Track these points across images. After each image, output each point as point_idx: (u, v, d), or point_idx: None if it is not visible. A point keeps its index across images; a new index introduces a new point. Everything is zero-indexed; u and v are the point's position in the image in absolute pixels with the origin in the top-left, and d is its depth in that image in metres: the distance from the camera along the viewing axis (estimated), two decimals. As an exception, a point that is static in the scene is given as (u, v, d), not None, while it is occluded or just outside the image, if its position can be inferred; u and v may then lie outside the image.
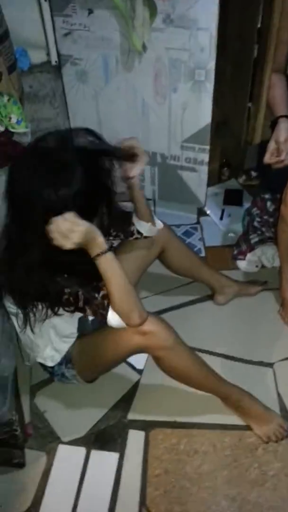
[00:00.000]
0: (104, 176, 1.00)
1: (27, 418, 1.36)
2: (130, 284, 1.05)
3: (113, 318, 1.06)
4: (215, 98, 1.67)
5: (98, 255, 0.99)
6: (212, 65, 1.58)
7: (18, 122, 1.49)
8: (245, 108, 1.67)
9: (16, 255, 1.01)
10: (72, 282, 1.04)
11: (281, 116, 1.44)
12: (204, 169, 1.87)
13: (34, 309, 1.06)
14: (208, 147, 1.80)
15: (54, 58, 1.77)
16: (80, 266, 1.01)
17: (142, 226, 1.32)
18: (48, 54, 1.77)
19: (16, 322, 1.15)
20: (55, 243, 0.93)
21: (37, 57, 1.76)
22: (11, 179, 0.98)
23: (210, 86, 1.64)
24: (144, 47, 1.61)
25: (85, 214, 0.95)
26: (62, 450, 1.30)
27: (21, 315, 1.09)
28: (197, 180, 1.93)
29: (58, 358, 1.22)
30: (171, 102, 1.75)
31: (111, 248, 1.01)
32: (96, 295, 1.06)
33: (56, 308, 1.07)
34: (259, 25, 1.49)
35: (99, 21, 1.63)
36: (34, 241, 0.97)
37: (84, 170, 0.93)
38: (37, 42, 1.73)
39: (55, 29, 1.70)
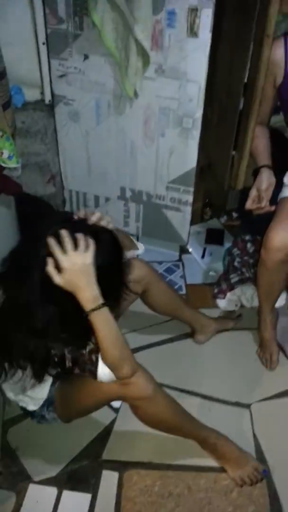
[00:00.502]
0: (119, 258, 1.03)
1: (-3, 456, 1.33)
2: (122, 336, 1.02)
3: (103, 373, 1.04)
4: (201, 143, 1.76)
5: (94, 309, 0.93)
6: (199, 114, 1.68)
7: (9, 158, 1.53)
8: (229, 156, 1.75)
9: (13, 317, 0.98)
10: (58, 342, 1.00)
11: (263, 166, 1.51)
12: (188, 209, 1.94)
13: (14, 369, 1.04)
14: (192, 189, 1.87)
15: (48, 98, 1.84)
16: (70, 323, 0.97)
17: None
18: (42, 93, 1.84)
19: None
20: (49, 264, 0.89)
21: (31, 95, 1.83)
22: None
23: (196, 133, 1.72)
24: (135, 93, 1.69)
25: (103, 293, 0.95)
26: (33, 490, 1.26)
27: None
28: (181, 219, 1.98)
29: (40, 401, 1.20)
30: (158, 145, 1.82)
31: (105, 303, 0.95)
32: (84, 351, 1.04)
33: (42, 372, 1.05)
34: (245, 80, 1.59)
35: (94, 66, 1.71)
36: (36, 302, 0.93)
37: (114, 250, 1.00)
38: (32, 81, 1.80)
39: (51, 71, 1.78)
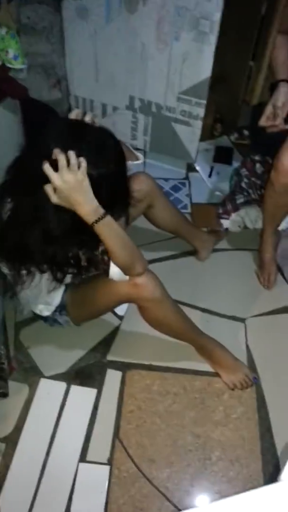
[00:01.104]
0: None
1: (11, 352, 1.43)
2: (130, 241, 1.06)
3: (114, 272, 1.10)
4: (216, 51, 1.64)
5: (97, 221, 0.96)
6: (217, 16, 1.54)
7: (15, 58, 1.44)
8: (246, 67, 1.65)
9: (29, 220, 0.99)
10: (72, 245, 1.05)
11: (282, 80, 1.43)
12: (199, 124, 1.87)
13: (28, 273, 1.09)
14: (205, 101, 1.78)
15: (54, -11, 1.67)
16: (82, 228, 0.98)
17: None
18: (48, -17, 1.67)
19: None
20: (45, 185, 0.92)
21: (36, -15, 1.66)
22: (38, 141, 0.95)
23: (213, 38, 1.60)
24: (151, -12, 1.54)
25: (109, 201, 0.97)
26: (44, 384, 1.39)
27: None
28: (190, 134, 1.92)
29: (52, 307, 1.27)
30: (172, 50, 1.70)
31: (107, 212, 0.97)
32: (96, 252, 1.08)
33: (62, 275, 1.09)
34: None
35: None
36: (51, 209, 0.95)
37: (118, 157, 0.97)
38: None
39: None
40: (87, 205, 0.94)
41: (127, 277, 1.12)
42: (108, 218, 0.98)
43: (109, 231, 1.00)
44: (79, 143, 0.91)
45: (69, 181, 0.89)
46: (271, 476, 1.22)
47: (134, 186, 1.40)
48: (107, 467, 1.23)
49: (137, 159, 1.36)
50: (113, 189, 0.99)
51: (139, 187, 1.42)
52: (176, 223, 1.63)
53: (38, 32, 1.74)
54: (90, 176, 0.91)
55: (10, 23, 1.42)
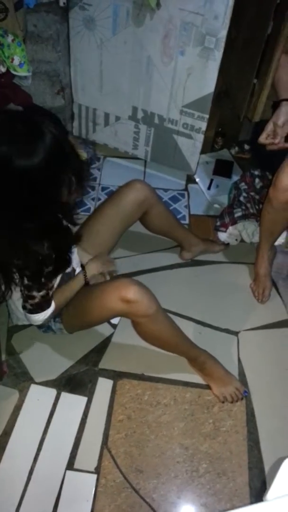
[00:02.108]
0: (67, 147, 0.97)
1: (3, 356, 1.43)
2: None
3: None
4: (221, 67, 1.66)
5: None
6: (223, 34, 1.57)
7: (20, 65, 1.46)
8: (250, 83, 1.67)
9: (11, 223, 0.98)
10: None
11: (284, 99, 1.45)
12: (200, 137, 1.89)
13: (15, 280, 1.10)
14: (207, 115, 1.81)
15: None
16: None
17: None
18: (57, -7, 1.70)
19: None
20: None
21: (45, -6, 1.68)
22: None
23: (218, 55, 1.63)
24: (158, 4, 1.57)
25: (54, 183, 0.94)
26: (34, 390, 1.39)
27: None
28: (191, 147, 1.94)
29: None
30: (177, 64, 1.73)
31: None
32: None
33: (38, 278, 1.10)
34: (278, 1, 1.47)
35: None
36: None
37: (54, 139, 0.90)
38: (46, -21, 1.66)
39: None
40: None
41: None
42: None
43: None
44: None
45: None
46: (258, 491, 1.23)
47: (129, 195, 1.43)
48: (94, 476, 1.23)
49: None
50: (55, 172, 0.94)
51: (134, 196, 1.45)
52: (168, 227, 1.66)
53: (44, 40, 1.76)
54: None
55: (17, 31, 1.45)
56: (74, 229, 1.22)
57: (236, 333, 1.57)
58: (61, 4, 1.71)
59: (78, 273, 1.31)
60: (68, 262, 1.15)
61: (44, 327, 1.33)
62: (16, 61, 1.46)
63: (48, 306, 1.19)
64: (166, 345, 1.35)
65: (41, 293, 1.13)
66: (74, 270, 1.32)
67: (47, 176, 0.91)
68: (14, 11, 1.45)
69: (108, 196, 1.55)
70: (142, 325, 1.24)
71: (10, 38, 1.41)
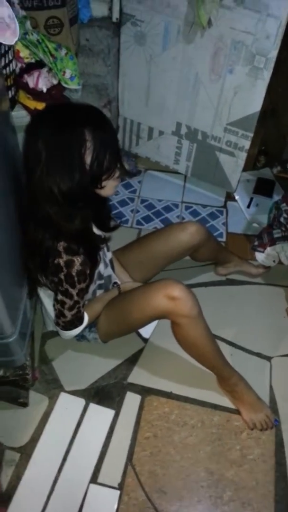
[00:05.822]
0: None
1: (36, 363, 1.46)
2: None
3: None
4: (268, 86, 1.65)
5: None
6: (274, 54, 1.55)
7: (71, 78, 1.50)
8: (297, 104, 1.65)
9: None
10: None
11: None
12: (243, 155, 1.87)
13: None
14: (251, 134, 1.79)
15: (115, 15, 1.74)
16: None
17: None
18: (110, 9, 1.74)
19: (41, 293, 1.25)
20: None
21: (99, 10, 1.73)
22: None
23: (267, 74, 1.61)
24: (209, 22, 1.57)
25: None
26: (63, 398, 1.40)
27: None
28: (233, 165, 1.93)
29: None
30: (224, 82, 1.73)
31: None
32: None
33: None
34: None
35: (169, -15, 1.59)
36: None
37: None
38: (101, -5, 1.70)
39: (123, -15, 1.67)
40: None
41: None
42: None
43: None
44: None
45: None
46: (283, 526, 1.19)
47: (182, 238, 1.43)
48: (117, 492, 1.23)
49: None
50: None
51: (187, 239, 1.44)
52: (214, 257, 1.68)
53: (95, 54, 1.80)
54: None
55: (70, 44, 1.48)
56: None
57: (269, 358, 1.53)
58: (114, 19, 1.74)
59: (113, 289, 1.32)
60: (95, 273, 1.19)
61: (79, 336, 1.34)
62: (68, 74, 1.49)
63: (81, 322, 1.22)
64: (202, 355, 1.30)
65: (73, 312, 1.16)
66: (110, 279, 1.34)
67: (112, 146, 1.04)
68: (69, 26, 1.49)
69: (159, 229, 1.53)
70: (182, 328, 1.21)
71: (63, 51, 1.45)
